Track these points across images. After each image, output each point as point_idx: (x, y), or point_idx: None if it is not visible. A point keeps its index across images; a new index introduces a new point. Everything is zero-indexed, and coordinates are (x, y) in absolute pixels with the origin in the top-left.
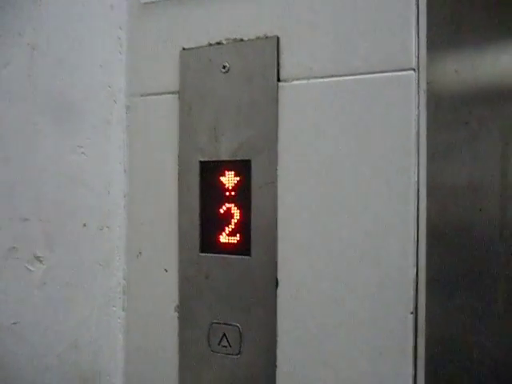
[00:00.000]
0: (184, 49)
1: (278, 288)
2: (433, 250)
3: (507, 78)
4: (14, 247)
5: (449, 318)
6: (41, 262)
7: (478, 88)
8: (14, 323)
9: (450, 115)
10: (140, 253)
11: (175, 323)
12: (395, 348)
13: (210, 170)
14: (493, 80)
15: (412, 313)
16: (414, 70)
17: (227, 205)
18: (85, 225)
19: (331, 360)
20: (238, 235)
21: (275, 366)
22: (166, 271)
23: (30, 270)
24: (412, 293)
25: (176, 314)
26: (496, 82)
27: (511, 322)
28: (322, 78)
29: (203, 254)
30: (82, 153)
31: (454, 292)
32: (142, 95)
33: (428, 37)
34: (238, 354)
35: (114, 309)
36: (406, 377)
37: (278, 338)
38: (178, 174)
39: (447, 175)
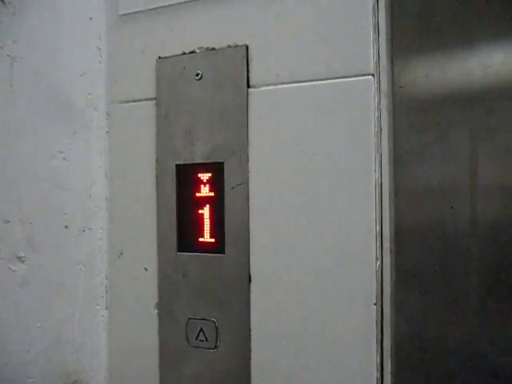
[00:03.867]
0: (160, 57)
1: (251, 283)
2: (403, 246)
3: (476, 79)
4: None
5: (423, 312)
6: (23, 262)
7: (448, 90)
8: None
9: (422, 116)
10: (121, 253)
11: (155, 320)
12: (361, 339)
13: (185, 173)
14: (462, 82)
15: (375, 304)
16: (372, 75)
17: (202, 205)
18: (66, 226)
19: (302, 352)
20: (212, 234)
21: (250, 358)
22: (146, 270)
23: (13, 270)
24: (375, 285)
25: (156, 312)
26: (465, 84)
27: (486, 316)
28: (287, 83)
29: (180, 253)
30: (63, 158)
31: (428, 287)
32: (120, 102)
33: (393, 43)
34: (214, 347)
35: (97, 307)
36: (371, 366)
37: (252, 331)
38: (156, 177)
39: (419, 174)
